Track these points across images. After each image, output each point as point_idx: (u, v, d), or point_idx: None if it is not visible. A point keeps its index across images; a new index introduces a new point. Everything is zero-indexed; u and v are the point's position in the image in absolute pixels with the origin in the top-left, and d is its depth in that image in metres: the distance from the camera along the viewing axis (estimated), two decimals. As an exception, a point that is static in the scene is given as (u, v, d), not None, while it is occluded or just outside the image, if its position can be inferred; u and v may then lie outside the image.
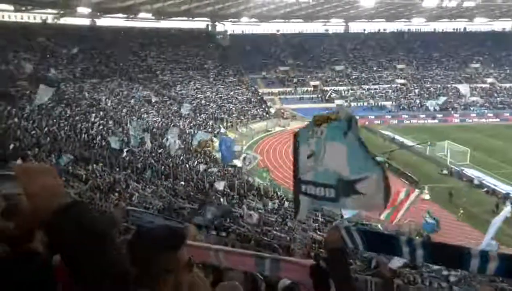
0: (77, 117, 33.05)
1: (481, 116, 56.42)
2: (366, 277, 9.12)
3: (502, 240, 19.61)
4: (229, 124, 49.41)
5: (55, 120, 30.20)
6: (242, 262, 3.38)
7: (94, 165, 23.88)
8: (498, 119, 55.50)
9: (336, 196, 2.57)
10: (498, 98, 61.92)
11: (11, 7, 51.11)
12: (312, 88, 63.84)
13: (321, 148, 2.59)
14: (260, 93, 60.78)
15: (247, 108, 55.56)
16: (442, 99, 55.39)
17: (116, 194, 19.94)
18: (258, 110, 55.97)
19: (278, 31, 73.84)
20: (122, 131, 32.81)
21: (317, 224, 21.57)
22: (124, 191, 20.99)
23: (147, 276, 1.51)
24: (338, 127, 2.48)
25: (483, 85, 64.86)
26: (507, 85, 64.82)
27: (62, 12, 56.86)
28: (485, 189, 31.24)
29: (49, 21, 56.93)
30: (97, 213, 1.73)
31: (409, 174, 33.06)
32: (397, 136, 45.35)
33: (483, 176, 33.10)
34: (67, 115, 32.83)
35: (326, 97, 60.67)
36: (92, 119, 34.11)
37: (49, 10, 55.97)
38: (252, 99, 58.34)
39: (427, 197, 28.52)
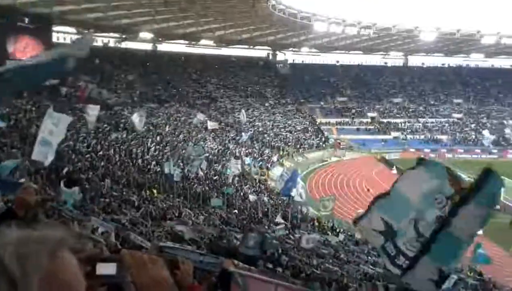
0: (133, 142, 32.70)
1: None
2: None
3: None
4: (285, 153, 48.20)
5: (110, 144, 29.87)
6: None
7: (147, 191, 23.02)
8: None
9: None
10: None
11: (74, 30, 50.50)
12: (369, 120, 63.06)
13: None
14: (317, 123, 60.13)
15: (304, 137, 54.55)
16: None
17: (168, 222, 18.89)
18: (315, 139, 55.08)
19: (337, 62, 72.99)
20: (178, 157, 32.16)
21: (369, 257, 20.79)
22: (177, 218, 19.95)
23: None
24: None
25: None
26: None
27: (124, 36, 57.32)
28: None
29: (111, 44, 57.18)
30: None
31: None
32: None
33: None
34: (123, 139, 32.54)
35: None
36: (148, 144, 33.70)
37: (112, 34, 56.05)
38: (309, 129, 57.61)
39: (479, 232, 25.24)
